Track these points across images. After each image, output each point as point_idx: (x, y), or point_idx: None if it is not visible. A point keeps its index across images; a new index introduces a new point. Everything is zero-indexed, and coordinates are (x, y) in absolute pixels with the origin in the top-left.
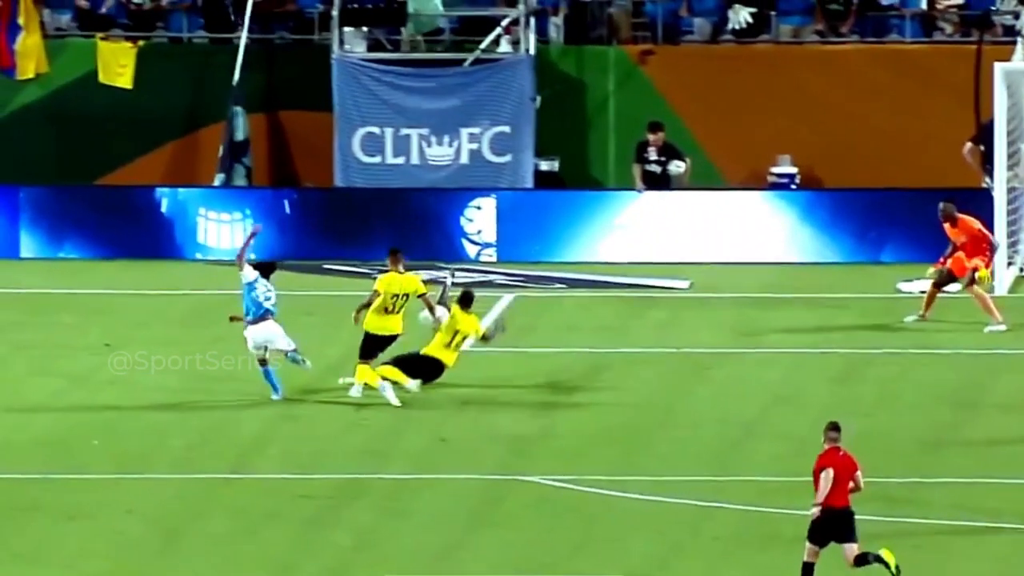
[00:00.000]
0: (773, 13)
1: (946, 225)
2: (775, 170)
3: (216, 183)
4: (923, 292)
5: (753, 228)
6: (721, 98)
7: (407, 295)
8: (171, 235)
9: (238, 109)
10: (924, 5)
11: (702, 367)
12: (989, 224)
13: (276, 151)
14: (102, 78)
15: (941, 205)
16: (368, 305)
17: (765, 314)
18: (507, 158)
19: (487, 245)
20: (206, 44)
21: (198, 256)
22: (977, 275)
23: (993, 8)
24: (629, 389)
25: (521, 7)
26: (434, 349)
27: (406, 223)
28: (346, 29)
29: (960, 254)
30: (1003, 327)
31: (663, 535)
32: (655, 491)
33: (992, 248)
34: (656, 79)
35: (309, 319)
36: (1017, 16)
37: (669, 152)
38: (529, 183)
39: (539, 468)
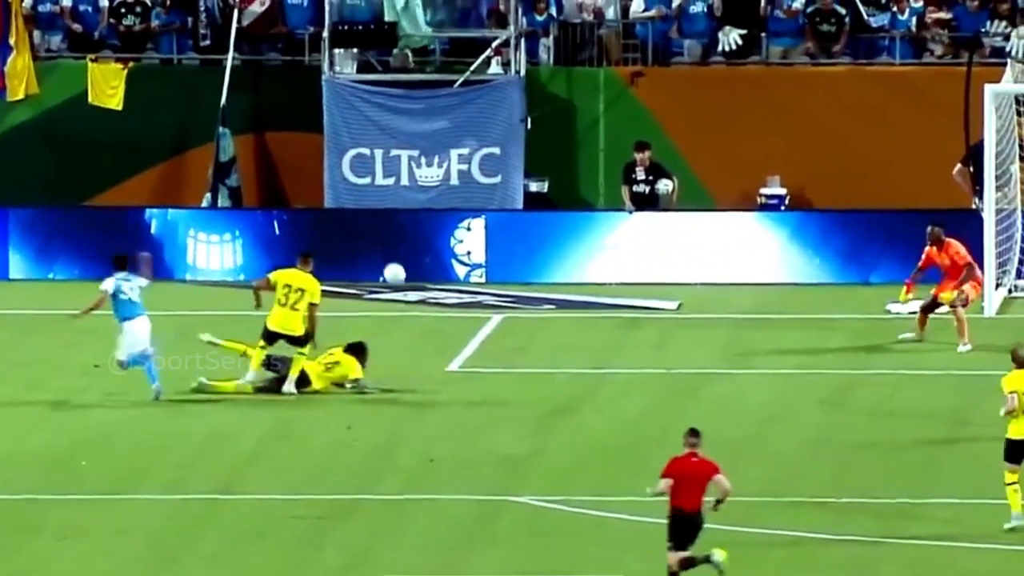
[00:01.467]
0: (763, 34)
1: (932, 248)
2: (765, 191)
3: (203, 204)
4: (912, 313)
5: (743, 249)
6: (711, 119)
7: (301, 291)
8: (160, 256)
9: (224, 130)
10: (914, 27)
11: (692, 388)
12: (979, 246)
13: (266, 172)
14: (92, 99)
15: (930, 228)
16: (258, 288)
17: (755, 335)
18: (497, 179)
19: (476, 266)
20: (196, 66)
21: (188, 277)
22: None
23: (983, 30)
24: (619, 410)
25: (511, 28)
26: (313, 367)
27: (395, 244)
28: (336, 50)
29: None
30: (969, 347)
31: (654, 555)
32: (646, 511)
33: (973, 272)
34: (646, 100)
35: None
36: (1006, 38)
37: (656, 171)
38: (519, 204)
39: (530, 488)
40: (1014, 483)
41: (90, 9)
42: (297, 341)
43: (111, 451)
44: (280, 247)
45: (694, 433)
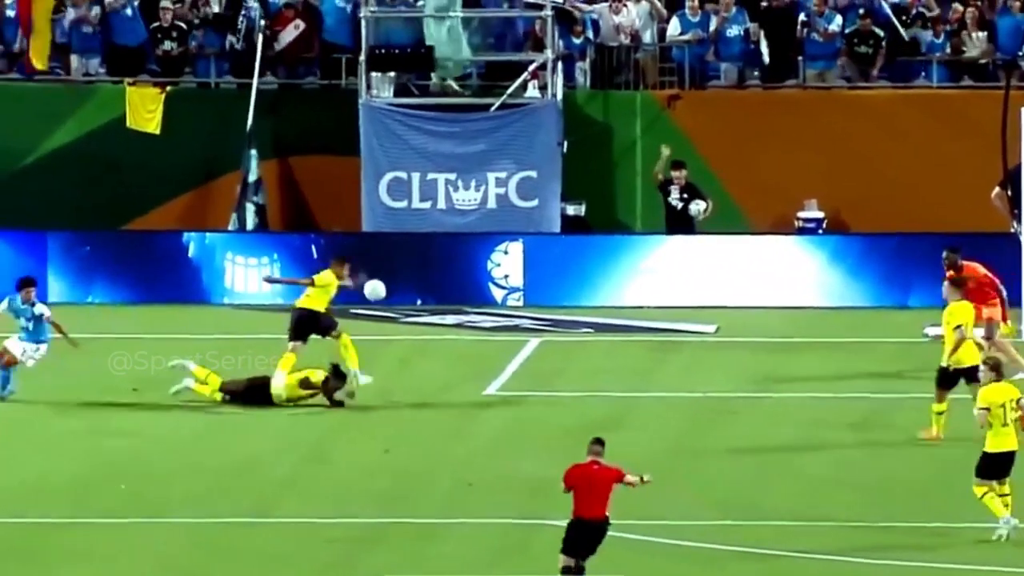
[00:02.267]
0: (800, 57)
1: (950, 273)
2: (802, 215)
3: (230, 226)
4: None
5: (780, 272)
6: (748, 142)
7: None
8: (198, 280)
9: (251, 152)
10: (950, 49)
11: (727, 411)
12: (1016, 270)
13: (302, 196)
14: (130, 123)
15: (945, 254)
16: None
17: (791, 358)
18: (534, 203)
19: (514, 289)
20: (233, 89)
21: (225, 300)
22: (999, 332)
23: (1020, 53)
24: (653, 433)
25: (548, 52)
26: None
27: (433, 268)
28: (373, 74)
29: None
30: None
31: None
32: (677, 535)
33: (1000, 293)
34: (683, 124)
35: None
36: None
37: (692, 191)
38: (556, 227)
39: (564, 512)
40: (988, 492)
41: (129, 13)
42: (320, 324)
43: (143, 475)
44: (317, 270)
45: (598, 442)
